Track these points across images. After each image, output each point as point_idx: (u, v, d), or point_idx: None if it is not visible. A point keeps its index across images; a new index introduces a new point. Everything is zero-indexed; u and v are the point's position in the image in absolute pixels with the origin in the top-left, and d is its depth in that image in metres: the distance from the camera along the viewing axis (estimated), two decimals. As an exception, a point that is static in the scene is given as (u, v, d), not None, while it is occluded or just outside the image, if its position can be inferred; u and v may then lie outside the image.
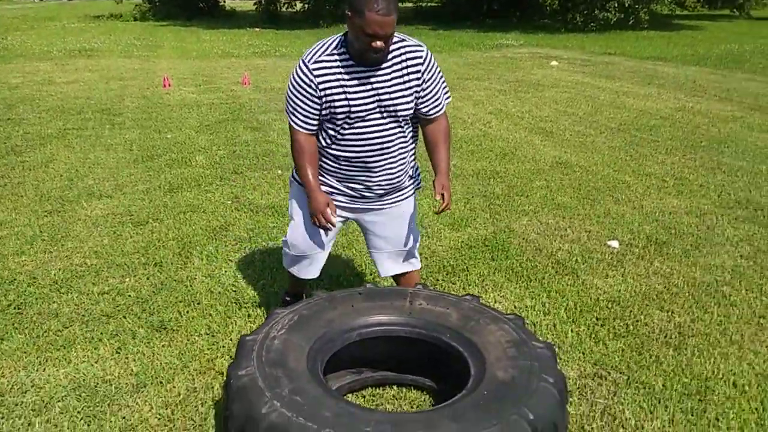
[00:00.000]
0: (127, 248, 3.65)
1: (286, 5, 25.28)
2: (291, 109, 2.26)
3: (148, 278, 3.28)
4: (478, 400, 1.77)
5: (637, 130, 6.70)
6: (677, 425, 2.22)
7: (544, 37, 17.59)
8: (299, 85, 2.20)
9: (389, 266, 2.63)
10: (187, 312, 2.95)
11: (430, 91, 2.29)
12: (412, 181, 2.54)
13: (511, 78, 10.29)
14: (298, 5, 24.59)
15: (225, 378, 1.92)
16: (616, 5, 18.82)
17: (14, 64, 11.35)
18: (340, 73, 2.17)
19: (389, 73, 2.21)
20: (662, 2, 19.96)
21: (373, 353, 2.26)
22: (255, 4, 26.36)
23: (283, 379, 1.78)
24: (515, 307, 3.04)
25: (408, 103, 2.26)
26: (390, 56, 2.19)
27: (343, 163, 2.33)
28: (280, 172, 5.10)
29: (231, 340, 2.71)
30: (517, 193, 4.71)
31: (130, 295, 3.10)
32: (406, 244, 2.56)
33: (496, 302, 3.08)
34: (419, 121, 2.40)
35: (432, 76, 2.27)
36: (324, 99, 2.19)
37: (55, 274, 3.30)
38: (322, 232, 2.47)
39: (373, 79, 2.19)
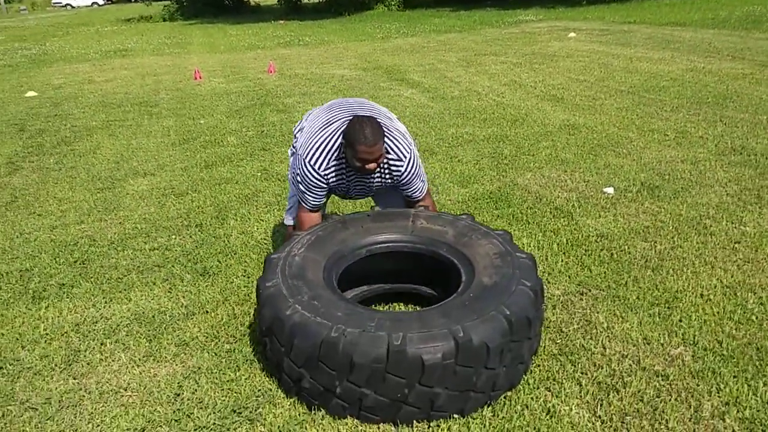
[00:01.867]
0: (171, 214, 4.14)
1: (308, -4, 25.69)
2: (305, 200, 2.70)
3: (191, 236, 3.76)
4: (464, 300, 2.14)
5: (646, 91, 6.92)
6: (644, 326, 2.58)
7: (565, 10, 17.63)
8: (312, 185, 2.63)
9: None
10: (226, 260, 3.41)
11: (410, 188, 2.75)
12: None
13: (527, 51, 10.52)
14: (320, -5, 24.98)
15: (255, 289, 2.32)
16: (637, -27, 18.65)
17: (55, 67, 12.07)
18: (343, 174, 2.65)
19: (380, 178, 2.70)
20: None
21: (381, 267, 2.66)
22: (278, -3, 26.88)
23: (303, 288, 2.17)
24: (513, 245, 3.41)
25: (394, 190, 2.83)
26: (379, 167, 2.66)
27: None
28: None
29: (263, 279, 3.16)
30: (524, 153, 5.05)
31: (176, 250, 3.58)
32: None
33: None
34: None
35: (411, 179, 2.70)
36: (331, 187, 2.72)
37: (111, 237, 3.81)
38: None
39: (368, 181, 2.71)
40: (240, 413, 2.18)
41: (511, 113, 6.35)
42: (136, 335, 2.72)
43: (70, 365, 2.52)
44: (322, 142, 2.60)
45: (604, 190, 4.14)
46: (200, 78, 9.61)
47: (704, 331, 2.53)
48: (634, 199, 3.95)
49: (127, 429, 2.14)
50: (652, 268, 3.07)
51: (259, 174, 4.89)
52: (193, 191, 4.57)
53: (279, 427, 2.10)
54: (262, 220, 3.95)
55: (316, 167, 2.59)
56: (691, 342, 2.46)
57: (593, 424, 2.05)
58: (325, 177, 2.61)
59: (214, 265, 3.36)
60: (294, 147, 2.88)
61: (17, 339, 2.73)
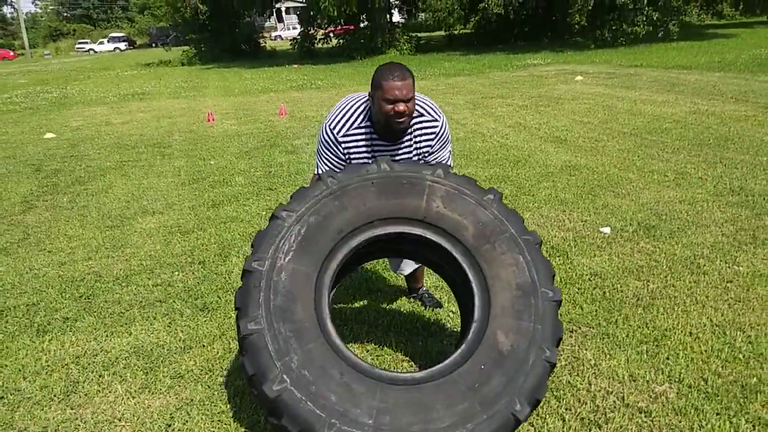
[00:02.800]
0: (176, 251, 4.25)
1: (321, 41, 26.40)
2: (320, 162, 2.54)
3: (193, 273, 3.86)
4: (472, 377, 1.86)
5: (649, 133, 7.02)
6: (631, 363, 2.61)
7: (573, 54, 17.95)
8: (329, 149, 2.48)
9: (403, 267, 2.99)
10: (225, 296, 3.49)
11: (435, 156, 2.56)
12: None
13: (534, 94, 10.71)
14: (333, 41, 25.66)
15: (236, 323, 1.97)
16: (645, 19, 19.04)
17: (74, 110, 12.47)
18: (366, 145, 2.45)
19: (409, 146, 2.49)
20: (690, 14, 20.05)
21: (388, 247, 2.39)
22: (291, 42, 27.65)
23: (292, 342, 1.85)
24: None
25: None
26: (410, 130, 2.45)
27: None
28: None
29: (261, 314, 3.24)
30: (524, 193, 5.13)
31: (178, 286, 3.67)
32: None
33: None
34: None
35: (442, 145, 2.53)
36: (348, 157, 2.50)
37: (116, 273, 3.92)
38: None
39: (394, 151, 2.48)
40: (228, 445, 2.23)
41: (514, 154, 6.46)
42: (133, 368, 2.79)
43: (68, 396, 2.60)
44: (345, 109, 2.46)
45: (601, 229, 4.19)
46: (213, 120, 9.89)
47: (690, 368, 2.55)
48: (629, 239, 4.00)
49: (118, 459, 2.20)
50: (643, 306, 3.10)
51: (264, 213, 5.01)
52: (199, 229, 4.70)
53: (265, 458, 2.15)
54: (264, 258, 4.04)
55: (335, 131, 2.43)
56: (677, 379, 2.48)
57: (574, 459, 2.08)
58: (342, 144, 2.42)
59: (214, 300, 3.45)
60: None
61: (20, 370, 2.81)
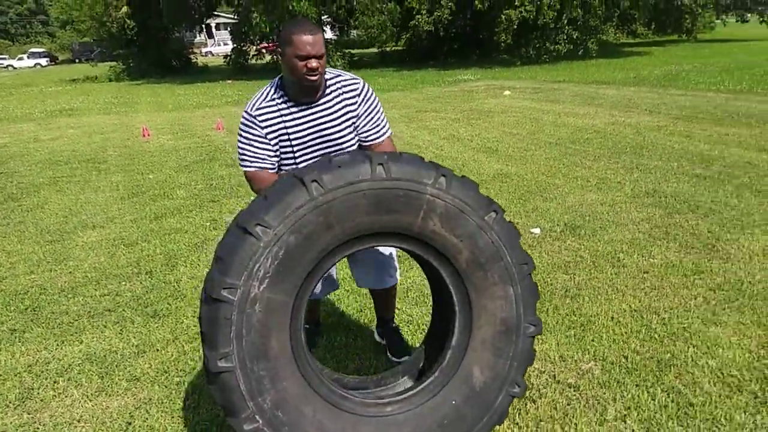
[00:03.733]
0: (121, 263, 4.26)
1: (255, 57, 26.33)
2: (242, 154, 2.31)
3: (141, 283, 3.89)
4: (441, 416, 1.87)
5: (572, 143, 7.50)
6: (561, 346, 2.87)
7: (501, 70, 18.70)
8: (246, 132, 2.28)
9: (378, 281, 2.69)
10: (176, 303, 3.56)
11: (368, 121, 2.36)
12: None
13: (466, 108, 11.16)
14: (267, 57, 25.65)
15: (202, 357, 1.79)
16: (565, 38, 20.11)
17: (-1, 127, 12.00)
18: (281, 115, 2.25)
19: (327, 108, 2.29)
20: (607, 32, 21.30)
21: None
22: (225, 58, 27.44)
23: (265, 380, 1.73)
24: (448, 281, 3.69)
25: (348, 134, 2.33)
26: (328, 90, 2.28)
27: None
28: (251, 198, 5.77)
29: (213, 319, 3.32)
30: (460, 199, 5.41)
31: (127, 295, 3.70)
32: (388, 276, 2.67)
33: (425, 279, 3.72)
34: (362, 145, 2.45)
35: (369, 106, 2.34)
36: (272, 139, 2.27)
37: (61, 285, 3.90)
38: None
39: (312, 116, 2.27)
40: (190, 437, 2.33)
41: (449, 164, 6.75)
42: (88, 373, 2.83)
43: (23, 402, 2.62)
44: (258, 92, 2.34)
45: (531, 230, 4.50)
46: (148, 135, 9.78)
47: (612, 348, 2.84)
48: (557, 238, 4.32)
49: (82, 456, 2.25)
50: (570, 296, 3.39)
51: (209, 224, 5.07)
52: (143, 241, 4.71)
53: (228, 447, 2.26)
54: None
55: (251, 110, 2.28)
56: (601, 358, 2.76)
57: (512, 431, 2.30)
58: (258, 118, 2.25)
59: (164, 307, 3.51)
60: None
61: (-32, 382, 2.80)
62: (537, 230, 4.50)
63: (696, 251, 3.90)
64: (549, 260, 3.93)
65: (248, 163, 2.30)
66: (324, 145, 2.33)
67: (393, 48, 27.49)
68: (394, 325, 2.97)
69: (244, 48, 26.10)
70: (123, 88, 20.73)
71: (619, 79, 14.11)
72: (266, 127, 2.25)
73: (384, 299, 2.85)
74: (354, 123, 2.34)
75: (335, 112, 2.31)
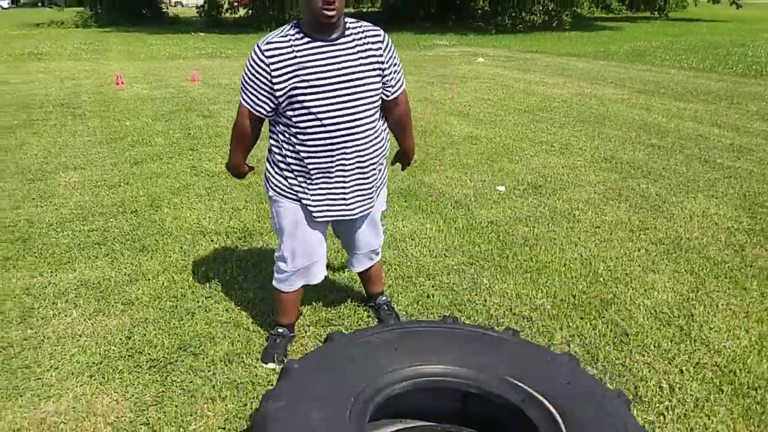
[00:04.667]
0: (105, 203, 4.44)
1: (228, 11, 25.84)
2: (245, 89, 2.23)
3: (127, 221, 4.09)
4: None
5: (540, 110, 7.82)
6: (518, 286, 3.21)
7: (476, 38, 18.86)
8: (251, 67, 2.18)
9: (360, 266, 2.73)
10: (163, 239, 3.78)
11: (393, 71, 2.30)
12: (383, 181, 2.54)
13: (440, 72, 11.36)
14: (241, 11, 25.21)
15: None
16: (541, 8, 20.32)
17: (-35, 68, 11.73)
18: (294, 51, 2.13)
19: (352, 46, 2.18)
20: (582, 6, 21.57)
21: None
22: (198, 10, 26.85)
23: None
24: (417, 230, 3.99)
25: (374, 77, 2.22)
26: (349, 32, 2.20)
27: (313, 157, 2.24)
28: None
29: (199, 254, 3.56)
30: (432, 158, 5.69)
31: (114, 231, 3.90)
32: (373, 245, 2.66)
33: (404, 227, 4.02)
34: (382, 107, 2.36)
35: (391, 54, 2.29)
36: (277, 81, 2.13)
37: (48, 220, 4.07)
38: (317, 233, 2.45)
39: (332, 53, 2.15)
40: (185, 350, 2.60)
41: (422, 125, 7.01)
42: (84, 296, 3.06)
43: (25, 319, 2.84)
44: (279, 29, 2.21)
45: (497, 188, 4.82)
46: (122, 83, 9.74)
47: (563, 288, 3.18)
48: (520, 195, 4.65)
49: (86, 363, 2.50)
50: (529, 246, 3.73)
51: (189, 170, 5.25)
52: (125, 184, 4.87)
53: (219, 358, 2.54)
54: (194, 208, 4.33)
55: (262, 45, 2.15)
56: (552, 296, 3.10)
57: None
58: (266, 53, 2.12)
59: (152, 243, 3.72)
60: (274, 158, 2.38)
61: (-30, 301, 3.00)
62: (502, 188, 4.82)
63: (644, 211, 4.27)
64: (512, 214, 4.25)
65: (245, 97, 2.23)
66: (347, 85, 2.16)
67: (370, 9, 27.29)
68: (383, 299, 2.89)
69: (217, 0, 25.57)
70: (92, 35, 20.23)
71: (589, 53, 14.44)
72: (274, 64, 2.11)
73: (368, 277, 2.83)
74: (381, 69, 2.23)
75: (359, 52, 2.18)
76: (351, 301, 3.01)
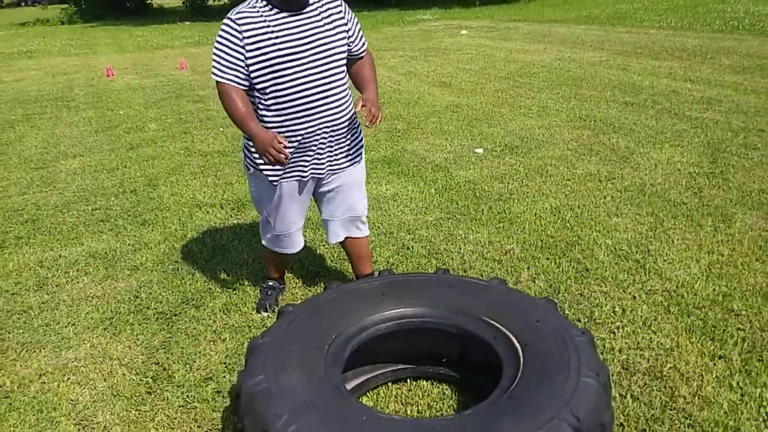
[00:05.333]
0: (105, 185, 4.70)
1: (213, -2, 25.82)
2: (216, 62, 2.25)
3: (127, 199, 4.35)
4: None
5: (520, 77, 8.04)
6: (490, 234, 3.48)
7: (460, 10, 18.96)
8: (224, 38, 2.22)
9: (339, 232, 2.68)
10: (162, 214, 4.05)
11: (355, 33, 2.42)
12: (359, 144, 2.57)
13: (423, 46, 11.54)
14: (226, -3, 25.19)
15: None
16: (524, -23, 20.33)
17: (-44, 69, 11.90)
18: (265, 21, 2.20)
19: (318, 17, 2.27)
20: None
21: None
22: (182, 0, 26.82)
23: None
24: (399, 192, 4.25)
25: (342, 44, 2.33)
26: (312, 3, 2.29)
27: (287, 124, 2.30)
28: (222, 129, 6.19)
29: (196, 224, 3.83)
30: (414, 127, 5.94)
31: (116, 209, 4.17)
32: (356, 210, 2.65)
33: (387, 190, 4.28)
34: (348, 62, 2.45)
35: (351, 17, 2.40)
36: (251, 50, 2.19)
37: (54, 203, 4.34)
38: (296, 205, 2.50)
39: (304, 24, 2.25)
40: (188, 303, 2.88)
41: (405, 97, 7.24)
42: (93, 265, 3.33)
43: (41, 287, 3.12)
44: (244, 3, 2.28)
45: (475, 150, 5.08)
46: (112, 75, 9.94)
47: (532, 235, 3.46)
48: (497, 156, 4.91)
49: (99, 319, 2.79)
50: (503, 200, 4.00)
51: (183, 152, 5.50)
52: (123, 167, 5.13)
53: (218, 308, 2.82)
54: (190, 185, 4.59)
55: (232, 16, 2.23)
56: (522, 242, 3.38)
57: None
58: (239, 22, 2.19)
59: (152, 217, 3.99)
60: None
61: (-11, 275, 3.28)
62: (480, 150, 5.08)
63: (612, 162, 4.54)
64: (488, 173, 4.51)
65: (220, 73, 2.24)
66: (320, 55, 2.27)
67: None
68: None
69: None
70: (78, 31, 20.31)
71: (571, 18, 14.59)
72: (246, 32, 2.18)
73: (357, 257, 2.80)
74: (346, 33, 2.35)
75: (328, 23, 2.29)
76: (343, 262, 3.29)
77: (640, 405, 2.09)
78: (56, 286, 3.13)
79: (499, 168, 4.63)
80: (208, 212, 4.04)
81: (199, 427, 2.08)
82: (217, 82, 2.27)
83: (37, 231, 3.85)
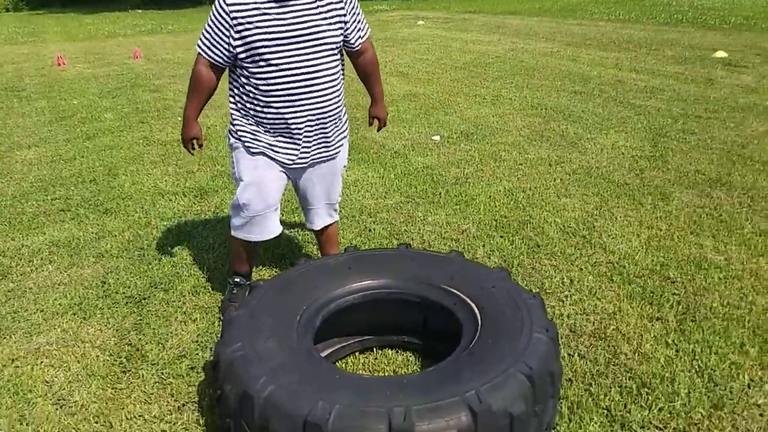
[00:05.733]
0: (64, 174, 4.67)
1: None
2: (203, 36, 2.32)
3: (87, 189, 4.35)
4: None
5: (475, 67, 8.24)
6: (448, 216, 3.65)
7: (416, 1, 19.11)
8: (213, 16, 2.27)
9: (319, 221, 2.74)
10: (124, 202, 4.07)
11: (354, 19, 2.39)
12: (343, 133, 2.61)
13: (381, 36, 11.65)
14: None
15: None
16: (478, -32, 20.60)
17: None
18: (258, 9, 2.22)
19: (311, 4, 2.28)
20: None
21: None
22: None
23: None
24: (360, 178, 4.37)
25: (335, 30, 2.33)
26: None
27: (273, 106, 2.34)
28: (179, 118, 6.17)
29: (159, 212, 3.88)
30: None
31: (77, 198, 4.17)
32: (334, 198, 2.72)
33: (348, 176, 4.40)
34: (348, 54, 2.51)
35: (353, 7, 2.39)
36: (238, 33, 2.24)
37: (12, 193, 4.30)
38: (275, 180, 2.50)
39: (293, 10, 2.25)
40: (156, 287, 2.95)
41: (362, 88, 7.33)
42: (58, 253, 3.36)
43: (5, 276, 3.13)
44: None
45: (432, 137, 5.24)
46: (64, 64, 9.72)
47: (487, 216, 3.64)
48: (454, 143, 5.08)
49: (68, 305, 2.83)
50: (459, 184, 4.17)
51: (141, 141, 5.49)
52: (81, 157, 5.10)
53: (187, 290, 2.90)
54: (150, 174, 4.61)
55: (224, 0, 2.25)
56: (477, 222, 3.56)
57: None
58: (230, 7, 2.22)
59: (114, 206, 4.02)
60: (233, 93, 2.49)
61: (-50, 265, 3.27)
62: (437, 137, 5.24)
63: (562, 148, 4.77)
64: (445, 159, 4.68)
65: (203, 47, 2.33)
66: (308, 38, 2.29)
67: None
68: None
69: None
70: (24, 18, 19.64)
71: (524, 10, 14.92)
72: (237, 16, 2.21)
73: (327, 240, 2.86)
74: (343, 23, 2.35)
75: (324, 11, 2.30)
76: (308, 244, 3.41)
77: (586, 362, 2.29)
78: (21, 274, 3.15)
79: (456, 154, 4.80)
80: (170, 200, 4.09)
81: (175, 400, 2.17)
82: (198, 53, 2.36)
83: (-4, 221, 3.83)
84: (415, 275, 2.26)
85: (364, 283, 2.25)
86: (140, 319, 2.69)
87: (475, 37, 10.89)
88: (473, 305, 2.06)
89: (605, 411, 2.04)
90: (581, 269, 2.98)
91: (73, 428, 2.04)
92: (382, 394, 1.67)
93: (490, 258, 3.13)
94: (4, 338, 2.61)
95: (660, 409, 2.04)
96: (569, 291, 2.79)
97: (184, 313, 2.73)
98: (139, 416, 2.09)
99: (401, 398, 1.63)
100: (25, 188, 4.40)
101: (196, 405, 2.14)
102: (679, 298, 2.70)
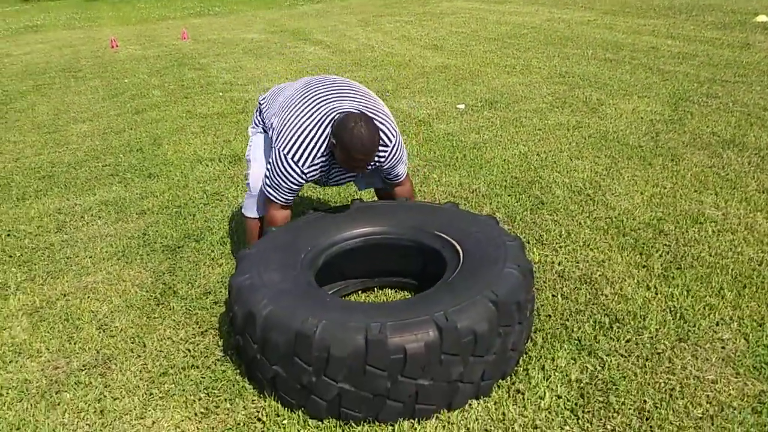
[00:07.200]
0: (113, 145, 5.09)
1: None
2: (273, 189, 2.44)
3: (134, 157, 4.75)
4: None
5: (509, 38, 8.30)
6: (461, 178, 3.85)
7: (459, -25, 18.99)
8: (292, 181, 2.40)
9: (383, 185, 2.82)
10: (167, 168, 4.44)
11: (391, 170, 2.58)
12: None
13: (419, 11, 11.76)
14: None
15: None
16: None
17: (-34, 45, 12.26)
18: (326, 168, 2.46)
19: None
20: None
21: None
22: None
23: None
24: (384, 144, 4.60)
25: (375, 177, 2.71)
26: None
27: None
28: (221, 93, 6.54)
29: (197, 175, 4.23)
30: (403, 87, 6.27)
31: (125, 165, 4.57)
32: (378, 182, 2.82)
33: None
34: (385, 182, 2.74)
35: (393, 162, 2.53)
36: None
37: (68, 161, 4.74)
38: None
39: (349, 173, 2.57)
40: (189, 238, 3.29)
41: (397, 60, 7.55)
42: (106, 211, 3.75)
43: (61, 229, 3.54)
44: (305, 137, 2.35)
45: (457, 106, 5.41)
46: (117, 46, 10.27)
47: (499, 177, 3.83)
48: (477, 111, 5.24)
49: (113, 252, 3.20)
50: (477, 148, 4.36)
51: (185, 114, 5.87)
52: (130, 129, 5.52)
53: (216, 241, 3.23)
54: (191, 143, 4.98)
55: (300, 164, 2.37)
56: (489, 182, 3.75)
57: (416, 222, 3.29)
58: (308, 174, 2.41)
59: (157, 171, 4.39)
60: (257, 123, 2.75)
61: (14, 221, 3.70)
62: (462, 106, 5.41)
63: (582, 113, 4.87)
64: (467, 126, 4.86)
65: (276, 195, 2.46)
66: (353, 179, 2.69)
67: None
68: None
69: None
70: (81, 5, 20.54)
71: (568, -20, 14.67)
72: (310, 175, 2.42)
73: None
74: (380, 171, 2.59)
75: (371, 168, 2.51)
76: (322, 198, 3.68)
77: (567, 302, 2.49)
78: (74, 228, 3.55)
79: (477, 121, 4.97)
80: (207, 165, 4.43)
81: (199, 327, 2.50)
82: (272, 203, 2.50)
83: (53, 185, 4.26)
84: (411, 223, 2.50)
85: (364, 229, 2.51)
86: (174, 264, 3.03)
87: (513, 9, 10.87)
88: (458, 246, 2.29)
89: (576, 341, 2.24)
90: (580, 224, 3.15)
91: (113, 347, 2.40)
92: (364, 313, 1.94)
93: (495, 215, 3.33)
94: (58, 278, 2.99)
95: (627, 341, 2.23)
96: (565, 242, 2.97)
97: (212, 259, 3.05)
98: (168, 338, 2.42)
99: (379, 317, 1.89)
100: (79, 157, 4.84)
101: (217, 330, 2.45)
102: (669, 249, 2.84)
